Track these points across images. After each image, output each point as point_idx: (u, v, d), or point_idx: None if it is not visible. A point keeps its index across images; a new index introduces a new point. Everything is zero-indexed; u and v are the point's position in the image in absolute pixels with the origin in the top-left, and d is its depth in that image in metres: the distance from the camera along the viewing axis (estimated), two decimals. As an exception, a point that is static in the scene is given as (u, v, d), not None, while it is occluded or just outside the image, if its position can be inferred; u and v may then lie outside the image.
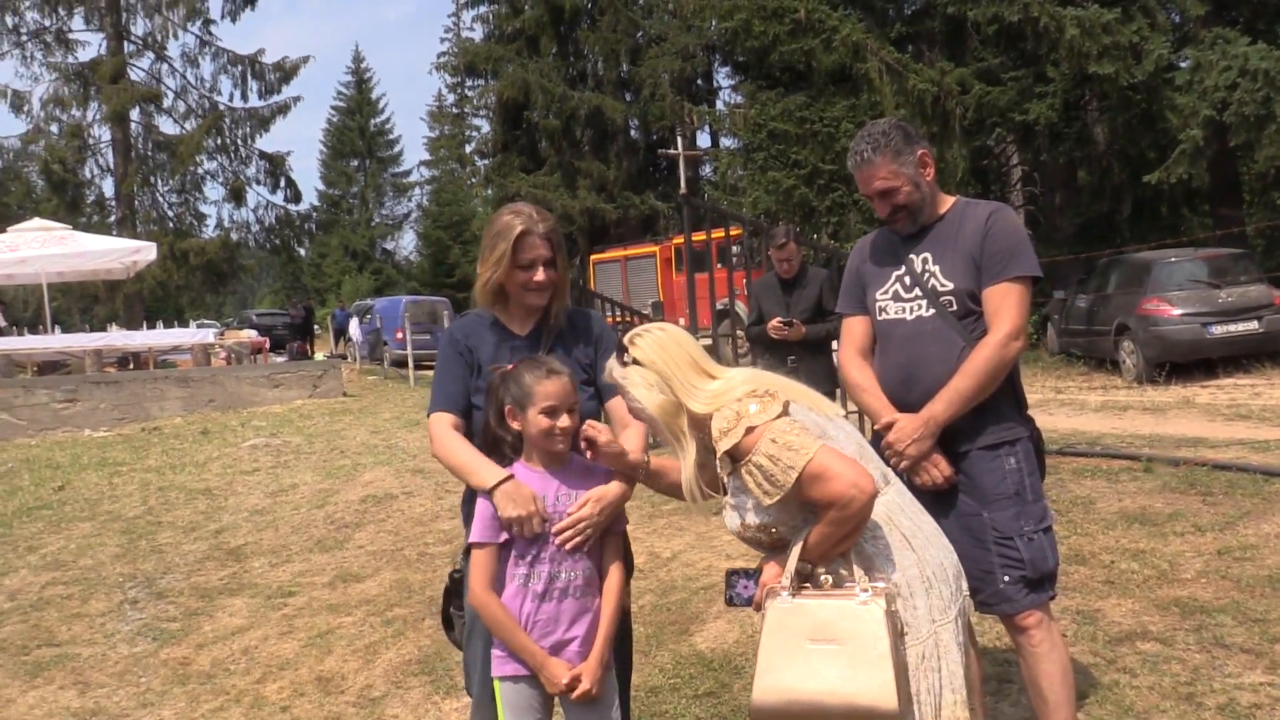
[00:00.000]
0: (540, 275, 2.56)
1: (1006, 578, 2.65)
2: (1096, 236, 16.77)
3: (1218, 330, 11.73)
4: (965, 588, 2.37)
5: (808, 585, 2.18)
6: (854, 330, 2.96)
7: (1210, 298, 11.92)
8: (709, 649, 4.13)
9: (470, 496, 2.63)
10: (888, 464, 2.52)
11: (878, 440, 2.76)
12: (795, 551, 2.18)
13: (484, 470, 2.46)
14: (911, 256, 2.82)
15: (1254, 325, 11.75)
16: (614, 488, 2.49)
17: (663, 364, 2.26)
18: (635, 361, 2.29)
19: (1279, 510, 4.73)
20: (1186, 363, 11.86)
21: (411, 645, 4.69)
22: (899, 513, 2.30)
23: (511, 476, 2.44)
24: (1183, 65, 14.02)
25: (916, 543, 2.27)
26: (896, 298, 2.83)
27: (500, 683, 2.46)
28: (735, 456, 2.18)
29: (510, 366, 2.50)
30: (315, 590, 5.66)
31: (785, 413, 2.18)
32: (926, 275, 2.78)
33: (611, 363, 2.35)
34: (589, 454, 2.49)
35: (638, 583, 4.56)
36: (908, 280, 2.81)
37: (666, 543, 5.49)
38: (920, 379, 2.73)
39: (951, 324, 2.73)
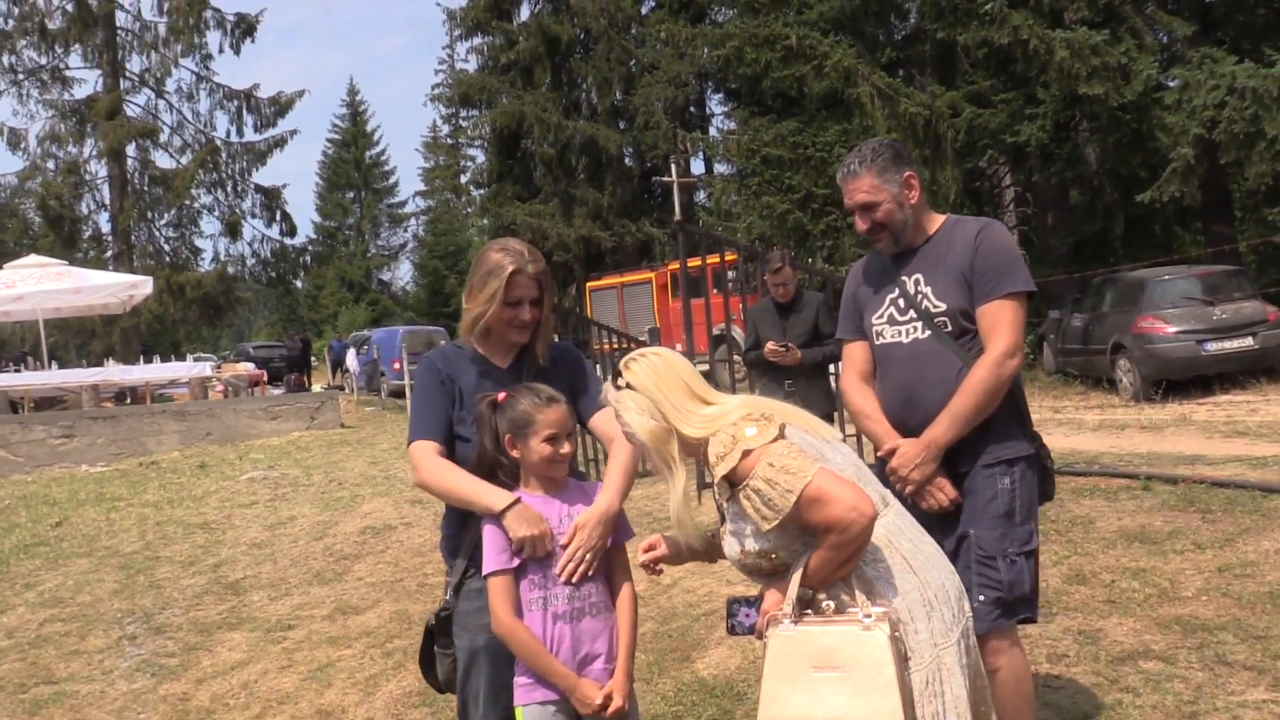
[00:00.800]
0: (526, 315, 2.59)
1: (981, 597, 2.61)
2: (1090, 256, 16.81)
3: (1213, 347, 11.74)
4: (967, 608, 2.35)
5: (809, 611, 2.16)
6: (854, 355, 2.96)
7: (1205, 315, 11.93)
8: (711, 675, 4.11)
9: (453, 533, 2.63)
10: (890, 488, 2.51)
11: (882, 467, 2.75)
12: (796, 578, 2.15)
13: (490, 494, 2.45)
14: (903, 278, 2.82)
15: (1249, 341, 11.76)
16: (597, 508, 2.48)
17: (655, 389, 2.24)
18: (629, 386, 2.28)
19: (1278, 526, 4.73)
20: (1183, 380, 11.86)
21: (412, 677, 4.65)
22: (899, 535, 2.28)
23: (519, 499, 2.44)
24: (1171, 85, 14.10)
25: (917, 564, 2.25)
26: (892, 321, 2.83)
27: (525, 710, 2.43)
28: (733, 481, 2.16)
29: (500, 395, 2.50)
30: (315, 623, 5.63)
31: (782, 435, 2.16)
32: (919, 296, 2.79)
33: (607, 385, 2.35)
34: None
35: (638, 610, 4.54)
36: (902, 303, 2.81)
37: (667, 569, 5.47)
38: (921, 401, 2.73)
39: (948, 344, 2.73)
